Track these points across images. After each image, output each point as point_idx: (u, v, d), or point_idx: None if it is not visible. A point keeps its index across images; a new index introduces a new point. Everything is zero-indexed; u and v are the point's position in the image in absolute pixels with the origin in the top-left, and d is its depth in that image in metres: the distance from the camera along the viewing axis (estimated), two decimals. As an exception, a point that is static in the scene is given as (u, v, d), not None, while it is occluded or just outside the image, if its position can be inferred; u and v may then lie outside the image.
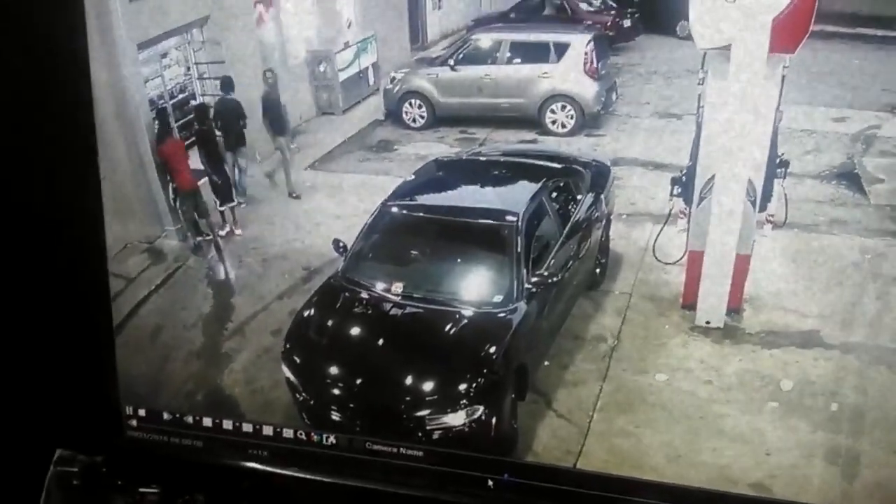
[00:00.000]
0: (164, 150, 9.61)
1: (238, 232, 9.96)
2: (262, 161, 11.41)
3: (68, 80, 4.27)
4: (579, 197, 8.49)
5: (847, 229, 9.09)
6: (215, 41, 10.83)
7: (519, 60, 12.12)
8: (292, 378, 6.79)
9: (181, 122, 10.49)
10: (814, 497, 5.98)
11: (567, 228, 8.01)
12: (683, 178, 8.04)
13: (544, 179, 8.25)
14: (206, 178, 9.94)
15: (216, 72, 10.77)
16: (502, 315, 6.95)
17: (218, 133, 10.18)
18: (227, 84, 10.31)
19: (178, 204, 9.74)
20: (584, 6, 14.82)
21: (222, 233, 9.85)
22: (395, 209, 8.01)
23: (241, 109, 10.30)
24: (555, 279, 7.32)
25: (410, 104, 12.43)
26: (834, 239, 8.97)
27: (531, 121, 11.64)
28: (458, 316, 6.95)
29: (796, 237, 8.95)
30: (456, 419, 6.29)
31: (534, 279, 7.11)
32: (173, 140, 9.92)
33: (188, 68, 10.95)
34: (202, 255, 9.67)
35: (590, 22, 13.53)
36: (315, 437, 4.87)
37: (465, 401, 6.30)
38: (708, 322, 7.81)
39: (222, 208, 9.92)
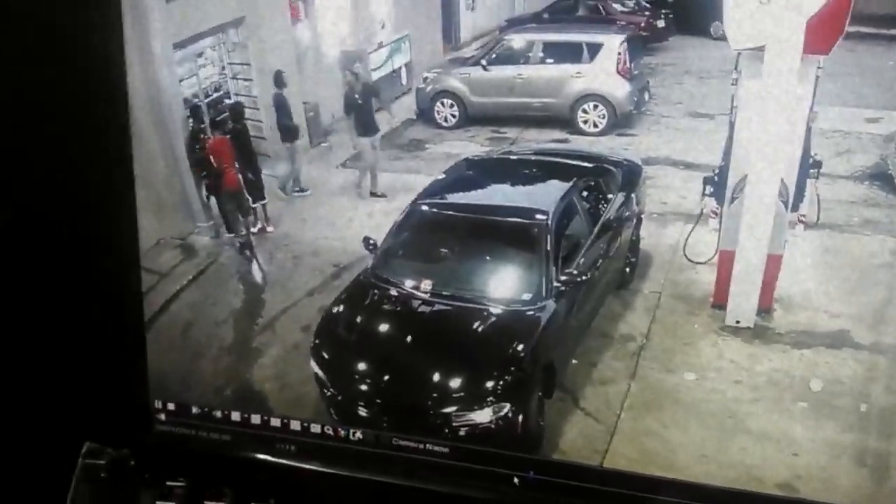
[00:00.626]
0: (213, 148, 9.70)
1: (270, 229, 10.01)
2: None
3: (104, 79, 4.33)
4: (610, 196, 8.47)
5: (879, 230, 8.99)
6: (249, 41, 10.89)
7: (552, 60, 12.08)
8: (320, 373, 6.83)
9: (215, 119, 10.54)
10: (841, 498, 5.93)
11: (597, 227, 8.00)
12: (715, 177, 7.99)
13: (575, 178, 8.24)
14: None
15: (254, 70, 10.86)
16: (531, 313, 6.95)
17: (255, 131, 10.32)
18: (279, 79, 10.49)
19: (219, 202, 9.82)
20: (617, 6, 14.75)
21: (254, 230, 9.90)
22: (425, 207, 8.03)
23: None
24: (584, 277, 7.30)
25: (442, 103, 12.44)
26: (866, 239, 8.88)
27: (563, 120, 11.60)
28: (486, 313, 6.97)
29: (828, 237, 8.86)
30: (483, 416, 6.30)
31: (563, 277, 7.11)
32: (221, 138, 9.97)
33: (223, 68, 11.02)
34: (243, 253, 9.75)
35: (623, 22, 13.46)
36: (342, 433, 4.89)
37: (492, 398, 6.31)
38: (738, 322, 7.76)
39: (255, 205, 9.97)
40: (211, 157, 9.66)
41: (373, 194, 10.69)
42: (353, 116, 10.87)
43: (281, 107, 10.71)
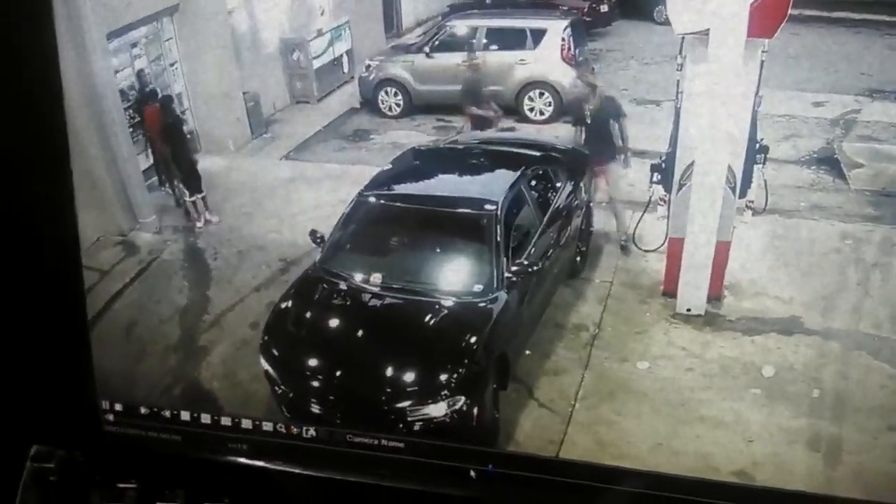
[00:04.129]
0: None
1: (215, 219, 9.88)
2: (235, 152, 11.36)
3: (37, 71, 4.18)
4: (559, 185, 8.44)
5: (827, 215, 9.11)
6: (184, 30, 10.73)
7: (495, 47, 12.06)
8: (271, 370, 6.74)
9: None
10: (796, 483, 5.97)
11: (547, 216, 7.97)
12: (663, 164, 7.99)
13: (523, 167, 8.20)
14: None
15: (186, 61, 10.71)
16: (482, 305, 6.91)
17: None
18: None
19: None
20: (560, -9, 14.80)
21: (200, 224, 9.78)
22: (372, 199, 7.95)
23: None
24: (535, 268, 7.26)
25: (386, 92, 12.39)
26: (814, 224, 8.99)
27: (509, 108, 11.59)
28: (437, 306, 6.91)
29: (777, 223, 8.96)
30: (437, 410, 6.25)
31: (514, 268, 7.07)
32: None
33: (157, 58, 10.84)
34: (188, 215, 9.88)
35: (566, 7, 13.49)
36: (295, 430, 4.81)
37: (446, 391, 6.26)
38: (689, 309, 7.80)
39: (192, 199, 9.84)
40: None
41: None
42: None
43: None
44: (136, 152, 9.94)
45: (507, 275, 7.04)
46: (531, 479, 4.36)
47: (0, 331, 4.56)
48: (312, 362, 6.66)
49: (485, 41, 12.12)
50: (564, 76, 11.50)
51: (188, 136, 10.40)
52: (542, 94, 11.53)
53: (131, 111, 10.12)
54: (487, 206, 7.39)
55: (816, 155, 10.17)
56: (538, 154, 8.81)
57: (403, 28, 16.01)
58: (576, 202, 8.45)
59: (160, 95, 10.52)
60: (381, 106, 12.42)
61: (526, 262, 7.21)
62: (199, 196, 9.91)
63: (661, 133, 8.60)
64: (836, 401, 6.75)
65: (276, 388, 6.68)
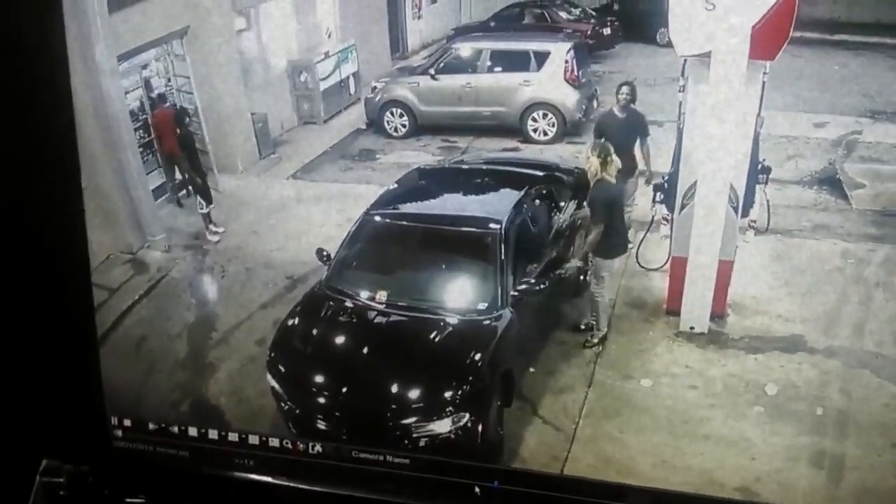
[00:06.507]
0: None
1: (220, 230, 9.98)
2: (244, 171, 11.42)
3: (49, 91, 4.24)
4: (562, 204, 8.49)
5: (829, 234, 9.15)
6: (193, 52, 10.82)
7: (500, 69, 12.15)
8: (277, 387, 6.76)
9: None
10: (799, 501, 6.00)
11: (551, 235, 8.01)
12: (666, 184, 8.05)
13: (527, 187, 8.25)
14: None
15: (196, 81, 10.81)
16: (487, 322, 6.94)
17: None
18: None
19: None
20: (563, 14, 14.90)
21: (216, 238, 9.86)
22: (378, 218, 7.99)
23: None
24: (541, 286, 7.29)
25: (392, 113, 12.46)
26: (817, 244, 9.04)
27: (513, 129, 11.67)
28: (442, 324, 6.94)
29: (779, 243, 9.00)
30: (442, 427, 6.27)
31: (521, 287, 7.11)
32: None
33: (168, 79, 10.94)
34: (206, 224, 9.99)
35: (570, 30, 13.60)
36: (301, 446, 4.83)
37: (450, 408, 6.28)
38: (692, 328, 7.83)
39: (207, 210, 9.93)
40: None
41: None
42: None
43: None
44: (146, 171, 10.02)
45: (513, 293, 7.09)
46: (535, 496, 4.38)
47: (11, 346, 4.60)
48: (318, 379, 6.69)
49: (489, 63, 12.20)
50: (567, 97, 11.58)
51: (201, 152, 10.49)
52: (545, 115, 11.60)
53: (141, 132, 10.24)
54: (492, 225, 7.44)
55: (818, 175, 10.22)
56: (542, 174, 8.87)
57: (409, 50, 16.12)
58: (579, 221, 8.49)
59: (171, 101, 10.84)
60: (387, 127, 12.49)
61: (533, 281, 7.25)
62: (211, 208, 10.02)
63: (663, 153, 8.66)
64: (839, 418, 6.77)
65: (283, 404, 6.71)
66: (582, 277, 8.60)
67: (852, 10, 12.32)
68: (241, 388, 7.51)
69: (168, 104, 10.77)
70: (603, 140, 8.10)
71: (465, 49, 12.61)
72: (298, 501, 4.63)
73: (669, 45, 7.23)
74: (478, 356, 6.65)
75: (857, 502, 6.05)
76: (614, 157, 7.66)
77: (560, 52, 11.83)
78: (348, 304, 7.25)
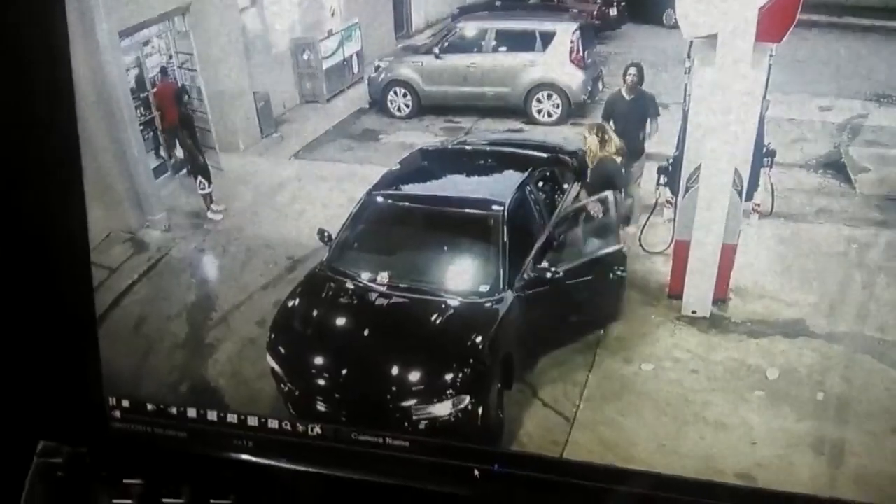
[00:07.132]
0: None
1: (223, 207, 9.95)
2: (245, 150, 11.38)
3: (48, 67, 4.21)
4: (566, 186, 8.46)
5: (833, 219, 9.10)
6: (196, 29, 10.75)
7: (504, 49, 12.08)
8: (277, 368, 6.76)
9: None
10: (800, 486, 5.98)
11: (554, 217, 7.97)
12: (670, 167, 8.02)
13: (531, 169, 8.22)
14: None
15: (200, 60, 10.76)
16: (488, 305, 6.94)
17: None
18: None
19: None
20: (569, -6, 14.79)
21: (219, 217, 9.84)
22: (380, 198, 7.98)
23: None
24: (553, 272, 7.23)
25: (395, 93, 12.39)
26: (820, 228, 8.99)
27: (517, 110, 11.60)
28: (444, 305, 6.94)
29: (783, 227, 8.96)
30: (442, 409, 6.28)
31: (533, 274, 7.10)
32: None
33: (170, 57, 10.88)
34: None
35: (576, 10, 13.50)
36: (300, 428, 4.83)
37: (451, 390, 6.29)
38: (694, 312, 7.79)
39: (209, 190, 9.91)
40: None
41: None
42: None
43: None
44: (146, 149, 9.99)
45: (527, 277, 7.12)
46: (535, 479, 4.38)
47: (8, 327, 4.59)
48: (319, 360, 6.69)
49: (494, 43, 12.13)
50: (573, 78, 11.52)
51: (203, 130, 10.47)
52: (550, 96, 11.54)
53: (142, 109, 10.20)
54: (494, 207, 7.42)
55: (823, 159, 10.16)
56: (546, 155, 8.83)
57: (413, 29, 16.01)
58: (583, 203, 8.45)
59: (172, 75, 10.82)
60: (390, 106, 12.42)
61: (545, 266, 7.22)
62: (211, 189, 10.01)
63: (668, 135, 8.61)
64: (840, 404, 6.76)
65: (283, 385, 6.71)
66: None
67: (859, -7, 12.23)
68: (240, 369, 7.49)
69: (170, 77, 10.77)
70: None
71: (469, 29, 12.51)
72: (297, 483, 4.62)
73: (676, 26, 7.17)
74: (479, 339, 6.64)
75: (858, 487, 6.03)
76: (612, 135, 7.62)
77: (566, 32, 11.75)
78: (349, 285, 7.24)
